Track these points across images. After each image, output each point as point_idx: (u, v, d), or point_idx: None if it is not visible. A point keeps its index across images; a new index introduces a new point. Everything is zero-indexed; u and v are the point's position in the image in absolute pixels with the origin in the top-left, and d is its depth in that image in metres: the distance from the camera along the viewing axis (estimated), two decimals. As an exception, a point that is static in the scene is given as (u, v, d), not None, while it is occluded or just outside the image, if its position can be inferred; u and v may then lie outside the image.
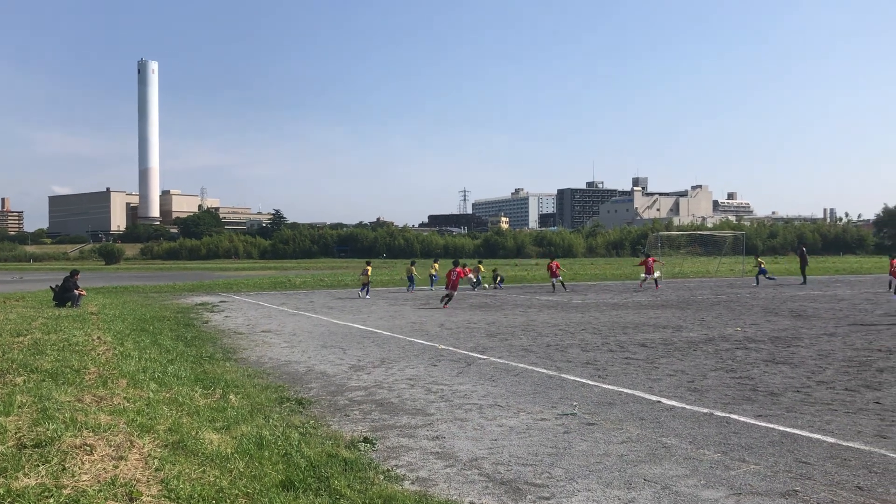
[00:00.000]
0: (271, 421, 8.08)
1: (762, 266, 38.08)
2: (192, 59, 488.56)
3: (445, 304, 24.50)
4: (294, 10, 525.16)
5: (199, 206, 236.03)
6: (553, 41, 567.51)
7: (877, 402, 9.15)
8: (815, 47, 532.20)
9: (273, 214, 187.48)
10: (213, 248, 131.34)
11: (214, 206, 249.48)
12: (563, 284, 33.44)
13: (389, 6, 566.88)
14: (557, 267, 33.51)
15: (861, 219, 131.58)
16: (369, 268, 31.21)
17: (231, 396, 9.26)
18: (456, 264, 27.16)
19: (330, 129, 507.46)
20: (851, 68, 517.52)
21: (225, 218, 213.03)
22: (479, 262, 40.06)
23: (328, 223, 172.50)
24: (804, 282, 36.84)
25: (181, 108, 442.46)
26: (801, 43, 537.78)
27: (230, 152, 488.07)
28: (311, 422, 8.26)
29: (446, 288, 25.49)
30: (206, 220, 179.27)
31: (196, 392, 9.41)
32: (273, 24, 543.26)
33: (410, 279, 35.39)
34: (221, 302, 27.58)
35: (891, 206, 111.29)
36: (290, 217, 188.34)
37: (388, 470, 6.51)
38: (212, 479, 5.85)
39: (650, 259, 35.60)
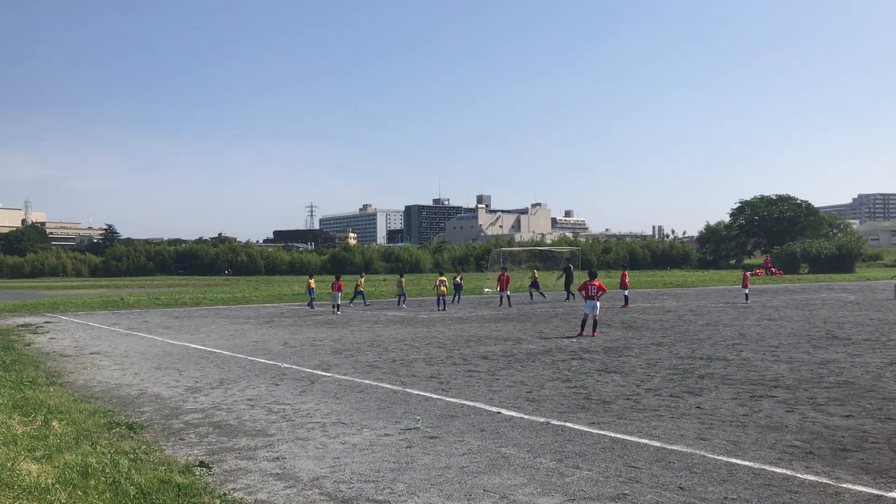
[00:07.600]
0: (98, 448, 7.63)
1: (534, 280, 38.60)
2: (13, 64, 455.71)
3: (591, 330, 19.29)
4: (130, 12, 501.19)
5: (23, 221, 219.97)
6: (403, 60, 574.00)
7: (698, 407, 9.80)
8: (648, 79, 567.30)
9: (105, 230, 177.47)
10: (39, 265, 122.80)
11: (40, 220, 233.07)
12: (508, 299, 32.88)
13: (238, 10, 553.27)
14: (507, 280, 33.11)
15: (686, 235, 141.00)
16: (362, 279, 37.05)
17: (54, 423, 8.68)
18: (593, 276, 19.54)
19: (168, 142, 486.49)
20: (677, 98, 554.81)
21: (52, 233, 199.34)
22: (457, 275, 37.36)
23: (166, 239, 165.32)
24: (567, 298, 37.21)
25: (3, 116, 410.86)
26: (638, 74, 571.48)
27: (58, 164, 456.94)
28: (143, 447, 7.86)
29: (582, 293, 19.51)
30: (30, 236, 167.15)
31: (14, 420, 8.75)
32: (104, 29, 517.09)
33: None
34: (46, 322, 25.82)
35: (712, 223, 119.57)
36: (125, 233, 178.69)
37: (224, 494, 6.30)
38: (28, 514, 5.44)
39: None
